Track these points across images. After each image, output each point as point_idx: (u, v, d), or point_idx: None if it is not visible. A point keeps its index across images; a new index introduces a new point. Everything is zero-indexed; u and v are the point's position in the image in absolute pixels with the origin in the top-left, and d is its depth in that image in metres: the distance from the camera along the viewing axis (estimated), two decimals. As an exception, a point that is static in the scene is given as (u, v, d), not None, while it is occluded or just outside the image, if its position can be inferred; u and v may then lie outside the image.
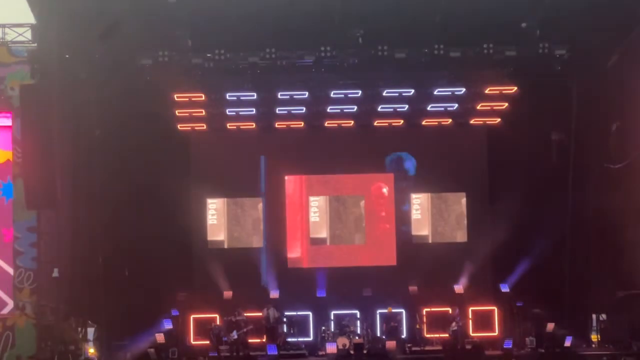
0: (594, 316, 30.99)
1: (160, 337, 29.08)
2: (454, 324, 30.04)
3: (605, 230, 29.80)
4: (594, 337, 30.98)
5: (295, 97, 30.50)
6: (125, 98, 29.13)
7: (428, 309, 31.56)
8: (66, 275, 28.68)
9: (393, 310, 31.24)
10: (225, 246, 32.85)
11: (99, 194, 30.10)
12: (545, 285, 30.79)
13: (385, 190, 33.43)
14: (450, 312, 30.78)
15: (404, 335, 31.34)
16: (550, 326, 29.45)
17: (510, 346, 28.98)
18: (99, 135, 29.91)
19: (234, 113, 31.57)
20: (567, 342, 28.77)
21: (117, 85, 28.54)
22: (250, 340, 29.88)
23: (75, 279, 28.95)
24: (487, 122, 32.59)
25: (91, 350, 29.44)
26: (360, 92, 30.28)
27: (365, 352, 29.00)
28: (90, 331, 29.91)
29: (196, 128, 32.29)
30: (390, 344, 28.95)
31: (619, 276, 29.71)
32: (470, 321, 31.41)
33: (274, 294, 31.64)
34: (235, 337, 29.22)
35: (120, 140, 30.25)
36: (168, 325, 29.93)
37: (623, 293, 29.36)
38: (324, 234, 33.27)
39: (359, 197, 33.43)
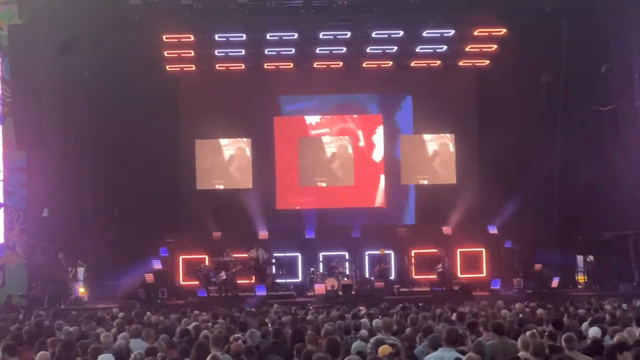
0: (580, 257, 31.15)
1: (149, 277, 29.27)
2: (440, 265, 30.19)
3: (592, 171, 29.92)
4: (581, 278, 31.21)
5: (284, 38, 30.35)
6: (114, 39, 28.97)
7: (416, 251, 31.73)
8: (56, 215, 28.85)
9: (385, 252, 31.29)
10: (214, 187, 32.88)
11: (88, 134, 30.10)
12: (533, 226, 30.91)
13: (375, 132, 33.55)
14: (437, 253, 30.93)
15: (392, 277, 31.49)
16: (538, 267, 29.67)
17: (498, 286, 29.25)
18: (87, 76, 29.78)
19: (223, 54, 31.43)
20: (554, 283, 29.06)
21: (105, 26, 28.35)
22: (239, 281, 30.09)
23: (64, 219, 29.11)
24: (476, 64, 32.57)
25: (81, 290, 29.62)
26: (349, 33, 30.14)
27: (353, 293, 29.17)
28: (80, 271, 30.03)
29: (185, 69, 32.16)
30: (379, 287, 29.13)
31: (605, 217, 29.96)
32: (458, 263, 31.61)
33: (263, 235, 31.75)
34: (224, 277, 29.39)
35: (109, 82, 30.13)
36: (157, 265, 30.09)
37: (609, 234, 29.58)
38: (313, 175, 33.32)
39: (349, 138, 33.44)
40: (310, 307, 24.56)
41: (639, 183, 28.58)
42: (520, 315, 18.29)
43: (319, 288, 29.05)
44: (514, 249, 30.72)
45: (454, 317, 17.47)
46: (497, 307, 20.24)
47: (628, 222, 28.97)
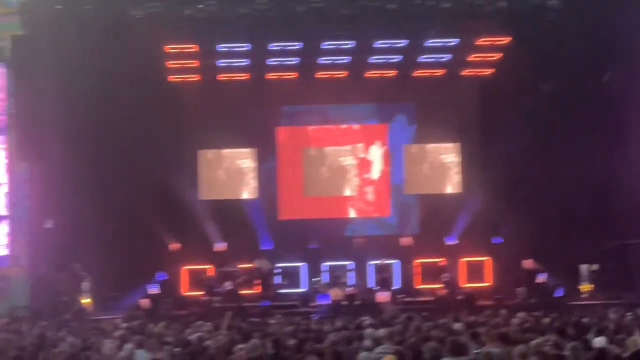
0: (584, 266, 31.04)
1: (153, 289, 29.24)
2: (445, 275, 30.18)
3: (596, 179, 29.93)
4: (585, 287, 31.05)
5: (287, 48, 30.36)
6: (117, 49, 28.86)
7: (421, 260, 31.73)
8: (59, 227, 28.82)
9: (385, 262, 31.27)
10: (217, 197, 32.80)
11: (91, 146, 30.04)
12: (537, 236, 30.83)
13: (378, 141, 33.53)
14: (442, 263, 30.93)
15: (396, 286, 31.41)
16: (542, 277, 29.60)
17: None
18: (90, 86, 29.73)
19: (226, 64, 31.43)
20: (558, 293, 28.99)
21: (108, 37, 28.31)
22: (242, 292, 30.01)
23: (67, 230, 29.08)
24: (480, 73, 32.55)
25: (85, 301, 29.51)
26: (352, 43, 30.13)
27: (357, 303, 29.12)
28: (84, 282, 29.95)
29: (188, 79, 32.16)
30: (382, 297, 29.06)
31: (610, 226, 29.89)
32: (462, 272, 31.58)
33: (267, 245, 31.73)
34: (230, 287, 29.32)
35: (112, 92, 30.04)
36: (161, 276, 30.09)
37: (612, 243, 29.54)
38: (316, 184, 33.28)
39: (352, 148, 33.41)
40: (314, 317, 24.53)
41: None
42: (528, 325, 18.22)
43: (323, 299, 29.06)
44: (518, 259, 30.71)
45: (457, 326, 17.42)
46: (503, 317, 20.17)
47: (633, 231, 28.96)
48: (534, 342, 13.77)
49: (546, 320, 19.18)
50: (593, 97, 30.02)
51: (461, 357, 12.71)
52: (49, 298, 28.44)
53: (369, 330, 16.97)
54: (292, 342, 15.74)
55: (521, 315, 20.44)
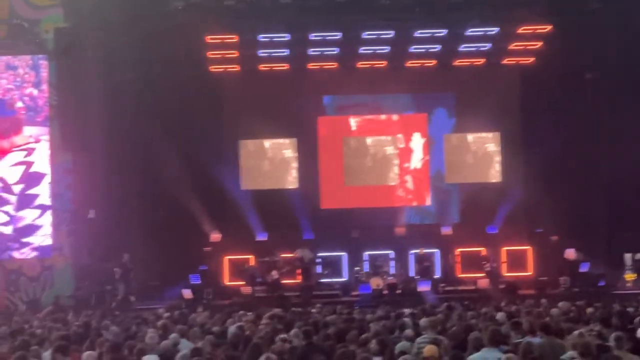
0: (628, 255, 30.81)
1: (195, 279, 29.39)
2: (487, 264, 30.10)
3: (638, 168, 29.67)
4: (629, 276, 30.84)
5: (327, 38, 30.34)
6: (158, 40, 28.99)
7: (462, 250, 31.65)
8: (102, 217, 29.04)
9: (425, 251, 31.21)
10: (258, 187, 32.89)
11: (133, 136, 30.22)
12: (580, 224, 30.63)
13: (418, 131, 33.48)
14: (483, 252, 30.84)
15: (437, 275, 31.36)
16: (584, 267, 29.43)
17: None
18: (131, 78, 29.93)
19: (267, 54, 31.46)
20: (601, 282, 28.82)
21: (149, 28, 28.47)
22: (283, 281, 30.05)
23: (110, 220, 29.29)
24: (521, 62, 32.36)
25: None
26: (392, 33, 30.06)
27: (398, 292, 29.12)
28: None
29: (228, 70, 32.22)
30: (423, 287, 29.03)
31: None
32: (504, 261, 31.46)
33: (308, 235, 31.77)
34: (276, 277, 29.39)
35: (153, 83, 30.23)
36: (203, 267, 30.23)
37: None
38: (357, 174, 33.26)
39: (393, 138, 33.37)
40: (356, 307, 24.53)
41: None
42: (571, 314, 18.14)
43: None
44: (560, 247, 30.54)
45: (499, 316, 17.38)
46: (544, 306, 20.09)
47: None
48: (577, 332, 13.72)
49: (590, 309, 19.09)
50: (636, 85, 29.74)
51: (501, 346, 12.69)
52: (93, 287, 28.72)
53: (407, 320, 16.99)
54: (333, 331, 15.77)
55: (565, 305, 20.35)
